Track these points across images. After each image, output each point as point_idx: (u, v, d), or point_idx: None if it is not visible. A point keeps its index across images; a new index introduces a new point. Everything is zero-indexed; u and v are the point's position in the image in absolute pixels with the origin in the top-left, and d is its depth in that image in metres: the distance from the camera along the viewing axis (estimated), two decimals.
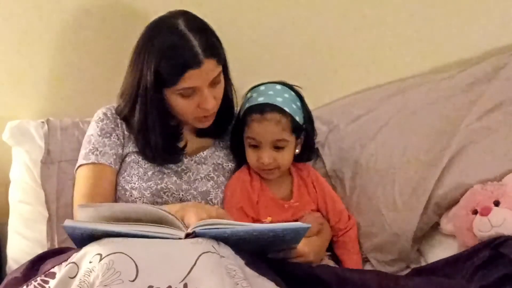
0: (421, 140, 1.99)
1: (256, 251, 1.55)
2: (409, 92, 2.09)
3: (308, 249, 1.71)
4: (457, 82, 2.08)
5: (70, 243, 1.79)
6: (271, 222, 1.76)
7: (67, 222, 1.46)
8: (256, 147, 1.80)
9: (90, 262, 1.37)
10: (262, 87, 1.83)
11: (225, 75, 1.80)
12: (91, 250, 1.40)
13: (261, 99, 1.79)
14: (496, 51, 2.13)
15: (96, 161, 1.78)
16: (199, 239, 1.43)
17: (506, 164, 1.86)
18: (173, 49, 1.68)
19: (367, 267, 1.94)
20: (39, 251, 1.84)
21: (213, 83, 1.72)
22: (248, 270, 1.45)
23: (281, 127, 1.76)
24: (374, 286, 1.57)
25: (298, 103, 1.83)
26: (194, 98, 1.72)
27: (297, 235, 1.56)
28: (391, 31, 2.12)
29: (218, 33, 1.76)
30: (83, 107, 2.04)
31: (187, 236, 1.45)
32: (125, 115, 1.82)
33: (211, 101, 1.72)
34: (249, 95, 1.84)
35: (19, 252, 1.91)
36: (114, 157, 1.80)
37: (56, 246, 1.86)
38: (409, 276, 1.76)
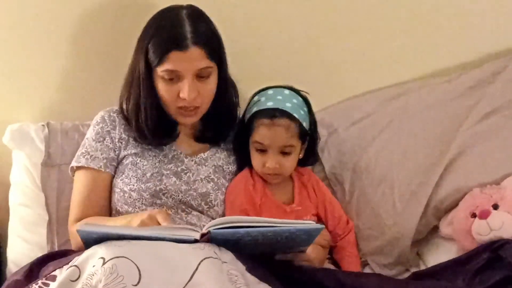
0: (420, 144, 1.99)
1: (265, 252, 1.56)
2: (408, 96, 2.09)
3: (314, 255, 1.71)
4: (456, 85, 2.08)
5: (70, 246, 1.80)
6: None
7: (82, 227, 1.47)
8: (263, 151, 1.80)
9: (93, 266, 1.37)
10: (270, 91, 1.83)
11: (223, 78, 1.79)
12: (93, 254, 1.40)
13: (270, 104, 1.79)
14: (496, 55, 2.13)
15: (85, 165, 1.80)
16: (201, 245, 1.44)
17: (505, 167, 1.86)
18: (164, 28, 1.70)
19: (367, 270, 1.94)
20: (39, 254, 1.84)
21: (200, 76, 1.71)
22: (249, 275, 1.45)
23: (290, 133, 1.77)
24: None
25: (305, 109, 1.83)
26: (176, 85, 1.71)
27: (309, 237, 1.56)
28: (391, 34, 2.12)
29: (222, 37, 1.77)
30: (84, 110, 2.04)
31: (202, 236, 1.45)
32: (125, 104, 1.83)
33: (191, 92, 1.70)
34: (256, 98, 1.84)
35: (19, 255, 1.91)
36: (105, 161, 1.81)
37: (56, 249, 1.87)
38: (409, 280, 1.76)
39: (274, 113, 1.77)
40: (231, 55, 1.82)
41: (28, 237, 1.93)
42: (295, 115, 1.77)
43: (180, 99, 1.72)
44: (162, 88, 1.73)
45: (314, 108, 2.02)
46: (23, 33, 2.00)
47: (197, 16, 1.74)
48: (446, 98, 2.06)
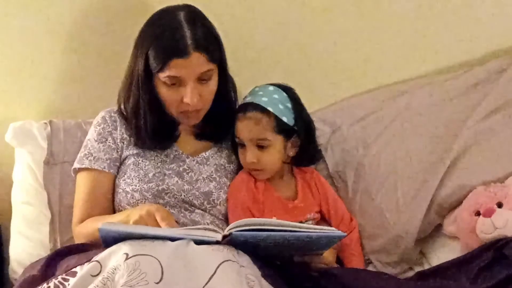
0: (424, 142, 1.98)
1: (284, 254, 1.56)
2: (412, 94, 2.09)
3: (331, 258, 1.75)
4: (460, 83, 2.07)
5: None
6: None
7: (103, 225, 1.47)
8: (242, 146, 1.81)
9: (116, 261, 1.37)
10: (257, 88, 1.85)
11: (223, 77, 1.79)
12: (116, 251, 1.41)
13: (248, 99, 1.82)
14: (500, 53, 2.13)
15: (89, 166, 1.79)
16: (220, 247, 1.44)
17: (509, 165, 1.86)
18: (164, 35, 1.69)
19: (370, 268, 1.93)
20: (42, 252, 1.85)
21: (201, 79, 1.71)
22: (264, 282, 1.46)
23: (261, 126, 1.77)
24: None
25: (289, 105, 1.82)
26: (178, 90, 1.71)
27: (329, 242, 1.58)
28: (394, 32, 2.12)
29: (221, 35, 1.76)
30: (86, 108, 2.04)
31: (224, 237, 1.46)
32: (124, 105, 1.83)
33: (194, 96, 1.70)
34: (246, 95, 1.86)
35: (22, 253, 1.91)
36: (108, 161, 1.80)
37: (59, 247, 1.86)
38: (412, 281, 1.75)
39: (247, 107, 1.79)
40: (231, 53, 1.81)
41: (31, 235, 1.92)
42: (269, 108, 1.77)
43: (183, 104, 1.72)
44: (164, 93, 1.73)
45: (317, 106, 2.03)
46: (25, 32, 2.00)
47: (196, 18, 1.73)
48: (450, 96, 2.06)
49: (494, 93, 2.01)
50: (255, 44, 2.09)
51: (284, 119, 1.79)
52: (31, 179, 1.96)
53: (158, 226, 1.55)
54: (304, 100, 1.87)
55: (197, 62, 1.68)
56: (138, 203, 1.75)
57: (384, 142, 2.02)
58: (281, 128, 1.79)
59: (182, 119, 1.80)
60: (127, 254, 1.37)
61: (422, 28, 2.12)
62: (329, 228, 1.58)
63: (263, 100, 1.79)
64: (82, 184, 1.80)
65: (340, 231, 1.54)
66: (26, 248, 1.91)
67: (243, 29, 2.06)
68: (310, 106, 1.91)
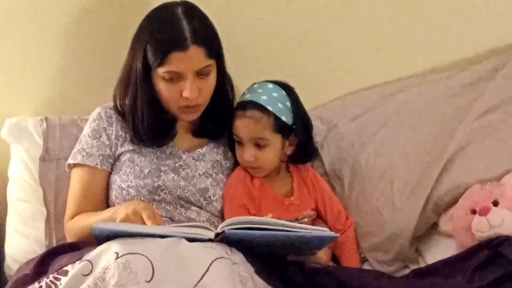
0: (420, 140, 1.99)
1: (277, 252, 1.56)
2: (408, 92, 2.09)
3: (326, 258, 1.76)
4: (456, 81, 2.08)
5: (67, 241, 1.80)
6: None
7: (97, 224, 1.48)
8: (240, 143, 1.81)
9: (107, 260, 1.37)
10: (255, 85, 1.84)
11: (221, 74, 1.79)
12: (107, 249, 1.40)
13: (247, 96, 1.81)
14: (496, 51, 2.13)
15: (82, 162, 1.79)
16: (213, 244, 1.44)
17: (505, 164, 1.86)
18: (162, 29, 1.69)
19: (366, 266, 1.94)
20: (38, 249, 1.85)
21: (200, 74, 1.71)
22: (257, 278, 1.45)
23: (261, 125, 1.77)
24: None
25: (288, 103, 1.81)
26: (177, 84, 1.70)
27: (322, 243, 1.58)
28: (390, 30, 2.12)
29: (218, 32, 1.76)
30: (82, 104, 2.04)
31: (217, 235, 1.45)
32: (120, 101, 1.82)
33: (194, 91, 1.70)
34: (244, 92, 1.85)
35: (17, 250, 1.90)
36: (101, 158, 1.80)
37: (55, 244, 1.86)
38: (410, 278, 1.75)
39: (247, 105, 1.79)
40: (230, 51, 1.81)
41: (26, 232, 1.92)
42: (269, 107, 1.77)
43: (183, 98, 1.72)
44: (163, 88, 1.72)
45: (314, 104, 2.02)
46: (21, 27, 1.99)
47: (193, 13, 1.73)
48: (446, 94, 2.06)
49: (490, 91, 2.01)
50: (251, 41, 2.08)
51: (283, 118, 1.79)
52: (26, 175, 1.95)
53: (144, 224, 1.54)
54: (300, 98, 1.87)
55: (196, 56, 1.68)
56: (133, 199, 1.75)
57: (380, 140, 2.02)
58: (280, 127, 1.79)
59: (181, 115, 1.79)
60: (117, 253, 1.37)
61: (418, 27, 2.12)
62: (322, 228, 1.57)
63: (262, 99, 1.78)
64: (75, 180, 1.80)
65: (333, 232, 1.53)
66: (22, 245, 1.91)
67: (240, 26, 2.06)
68: (307, 103, 1.91)
